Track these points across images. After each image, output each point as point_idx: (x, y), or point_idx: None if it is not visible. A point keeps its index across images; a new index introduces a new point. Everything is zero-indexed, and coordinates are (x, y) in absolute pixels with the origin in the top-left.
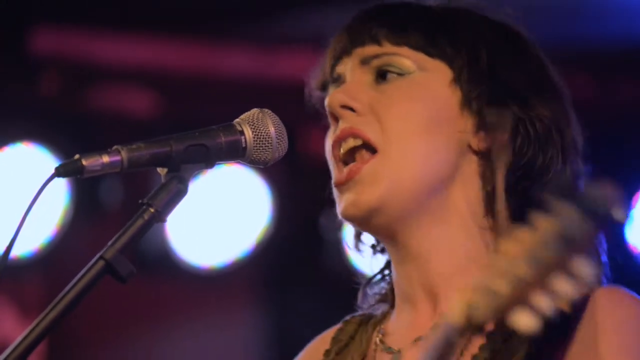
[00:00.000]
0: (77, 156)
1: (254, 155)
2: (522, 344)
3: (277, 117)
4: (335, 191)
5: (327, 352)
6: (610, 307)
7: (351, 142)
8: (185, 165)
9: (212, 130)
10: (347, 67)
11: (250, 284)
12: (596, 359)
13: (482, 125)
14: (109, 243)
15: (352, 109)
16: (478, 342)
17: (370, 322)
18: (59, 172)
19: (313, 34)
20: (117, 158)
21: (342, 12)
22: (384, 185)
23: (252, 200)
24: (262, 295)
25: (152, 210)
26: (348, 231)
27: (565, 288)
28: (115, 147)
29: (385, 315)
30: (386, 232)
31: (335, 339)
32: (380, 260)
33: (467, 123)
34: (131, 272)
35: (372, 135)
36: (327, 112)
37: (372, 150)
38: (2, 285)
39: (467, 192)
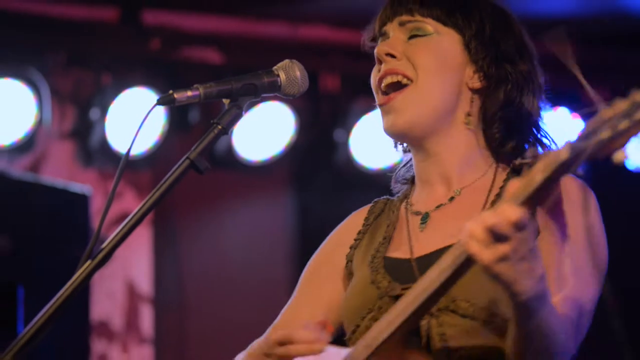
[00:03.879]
0: (170, 91)
1: (286, 91)
2: None
3: (301, 65)
4: (380, 110)
5: (366, 219)
6: (570, 184)
7: (389, 79)
8: (242, 97)
9: (258, 74)
10: (390, 28)
11: (282, 173)
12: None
13: (478, 72)
14: (192, 148)
15: (392, 56)
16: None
17: (395, 200)
18: (159, 102)
19: (325, 13)
20: (197, 92)
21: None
22: (410, 113)
23: (283, 119)
24: (291, 181)
25: (219, 127)
26: (352, 138)
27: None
28: (195, 85)
29: (406, 195)
30: (413, 142)
31: (370, 211)
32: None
33: (468, 70)
34: (207, 167)
35: (407, 71)
36: (376, 58)
37: (403, 86)
38: (125, 175)
39: (464, 114)
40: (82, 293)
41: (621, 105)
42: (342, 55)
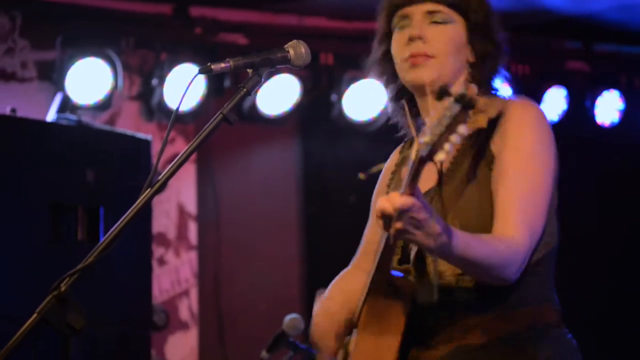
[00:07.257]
0: (209, 64)
1: (294, 63)
2: (470, 149)
3: (305, 44)
4: (404, 66)
5: (398, 160)
6: (516, 109)
7: (417, 59)
8: (261, 68)
9: (274, 50)
10: (413, 12)
11: (291, 125)
12: (504, 142)
13: (473, 49)
14: (225, 105)
15: (420, 39)
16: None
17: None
18: (200, 72)
19: (324, 8)
20: (228, 64)
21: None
22: (432, 75)
23: (292, 85)
24: (298, 131)
25: (245, 89)
26: (344, 100)
27: (453, 139)
28: (227, 59)
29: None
30: (429, 91)
31: (400, 152)
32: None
33: (467, 49)
34: (235, 120)
35: (431, 51)
36: (406, 37)
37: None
38: (176, 126)
39: (463, 73)
40: (145, 212)
41: (436, 114)
42: (336, 39)
